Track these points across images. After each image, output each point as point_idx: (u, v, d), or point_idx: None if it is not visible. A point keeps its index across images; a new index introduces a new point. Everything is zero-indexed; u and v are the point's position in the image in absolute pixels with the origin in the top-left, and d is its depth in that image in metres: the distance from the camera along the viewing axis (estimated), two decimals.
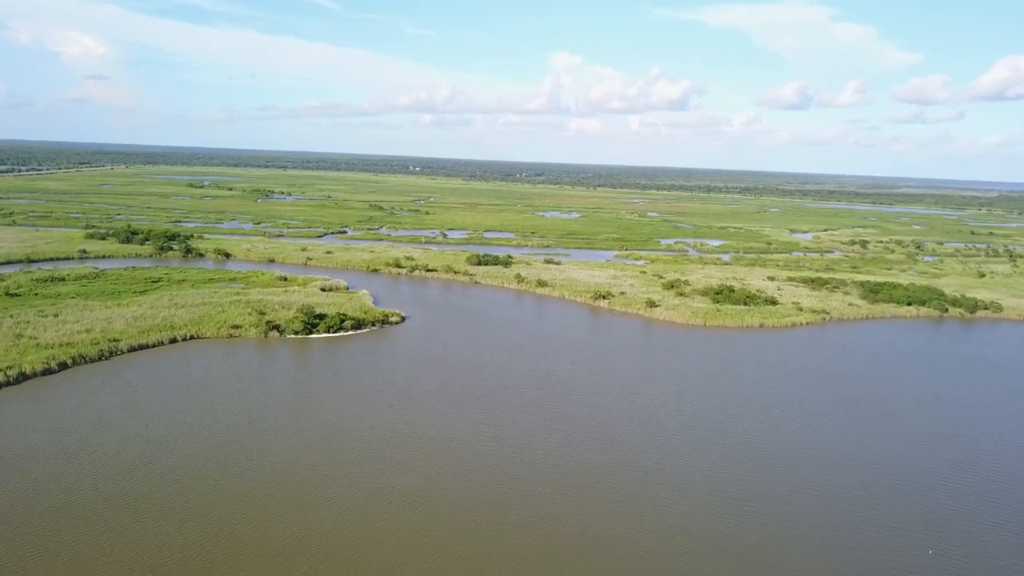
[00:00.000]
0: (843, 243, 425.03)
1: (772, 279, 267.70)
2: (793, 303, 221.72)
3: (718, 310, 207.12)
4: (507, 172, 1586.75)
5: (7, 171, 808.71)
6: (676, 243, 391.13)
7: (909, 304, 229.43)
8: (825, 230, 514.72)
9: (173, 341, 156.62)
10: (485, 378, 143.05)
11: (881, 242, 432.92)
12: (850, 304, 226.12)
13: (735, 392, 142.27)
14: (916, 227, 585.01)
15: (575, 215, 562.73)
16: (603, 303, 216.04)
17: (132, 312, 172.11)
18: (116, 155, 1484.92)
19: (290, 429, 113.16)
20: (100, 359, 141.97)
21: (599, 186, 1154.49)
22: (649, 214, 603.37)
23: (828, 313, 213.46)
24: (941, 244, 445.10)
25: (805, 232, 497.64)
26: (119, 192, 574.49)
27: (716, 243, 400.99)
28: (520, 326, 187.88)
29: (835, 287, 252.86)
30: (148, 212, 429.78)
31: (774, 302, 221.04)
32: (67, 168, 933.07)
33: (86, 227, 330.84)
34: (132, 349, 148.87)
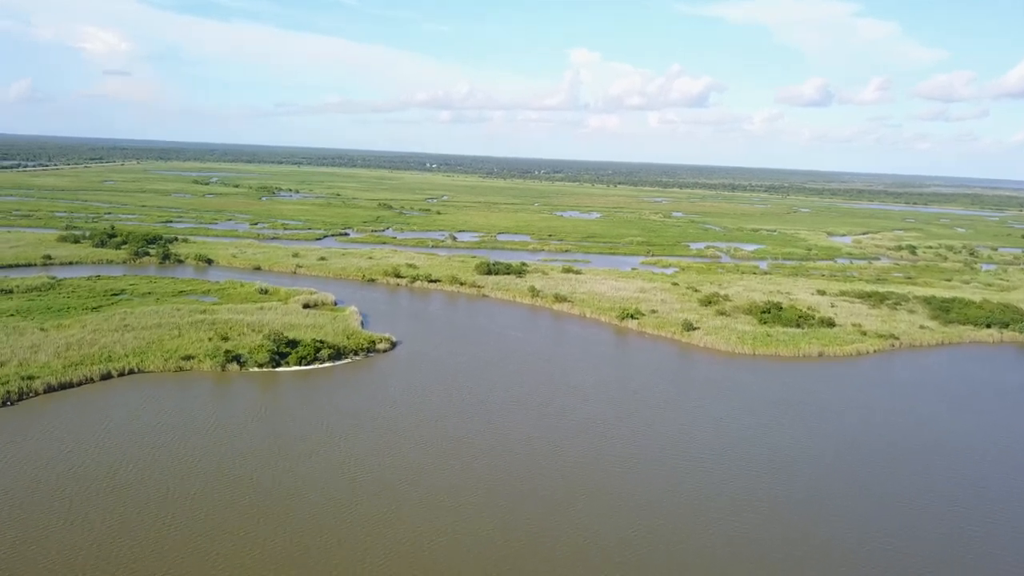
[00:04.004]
0: (889, 248, 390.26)
1: (823, 293, 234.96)
2: (853, 325, 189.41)
3: (768, 334, 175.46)
4: (525, 169, 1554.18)
5: (12, 167, 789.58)
6: (707, 247, 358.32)
7: (988, 326, 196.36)
8: (865, 233, 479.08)
9: (106, 377, 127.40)
10: (475, 443, 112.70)
11: (930, 247, 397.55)
12: (920, 326, 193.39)
13: (815, 461, 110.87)
14: (960, 230, 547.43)
15: (595, 215, 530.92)
16: (631, 324, 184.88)
17: (69, 337, 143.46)
18: (130, 151, 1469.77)
19: (191, 525, 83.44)
20: (4, 404, 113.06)
21: (619, 183, 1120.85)
22: (674, 214, 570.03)
23: (897, 338, 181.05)
24: (995, 250, 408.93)
25: (844, 235, 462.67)
26: (118, 189, 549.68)
27: (750, 248, 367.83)
28: (532, 359, 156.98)
29: (896, 303, 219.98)
30: (141, 211, 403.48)
31: (831, 323, 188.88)
32: (75, 164, 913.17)
33: (66, 228, 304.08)
34: (50, 389, 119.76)
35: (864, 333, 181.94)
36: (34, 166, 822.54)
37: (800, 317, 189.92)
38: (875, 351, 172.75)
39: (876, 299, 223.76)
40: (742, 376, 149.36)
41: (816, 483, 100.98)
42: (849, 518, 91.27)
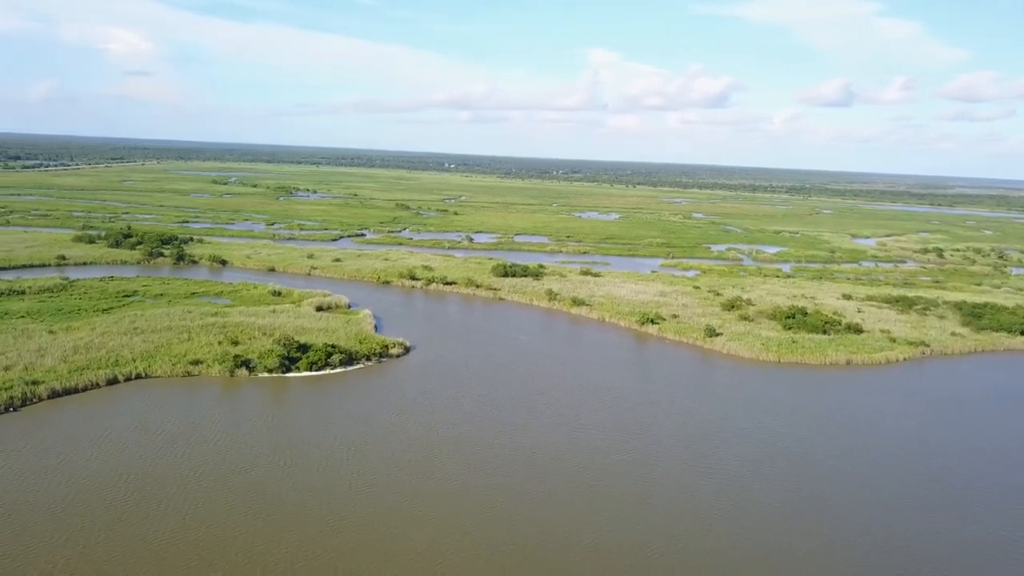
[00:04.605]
0: (915, 251, 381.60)
1: (848, 297, 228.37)
2: (882, 331, 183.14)
3: (793, 341, 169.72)
4: (543, 169, 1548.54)
5: (34, 166, 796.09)
6: (728, 250, 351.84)
7: (1023, 333, 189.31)
8: (889, 235, 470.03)
9: (113, 382, 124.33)
10: (487, 455, 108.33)
11: (957, 250, 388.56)
12: (952, 333, 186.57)
13: (850, 483, 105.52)
14: (987, 232, 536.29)
15: (614, 216, 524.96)
16: (651, 329, 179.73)
17: (76, 340, 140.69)
18: (150, 151, 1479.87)
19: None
20: (7, 410, 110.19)
21: (638, 184, 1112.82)
22: (694, 215, 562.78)
23: (927, 345, 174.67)
24: None
25: (868, 237, 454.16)
26: (137, 189, 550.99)
27: (772, 250, 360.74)
28: (547, 364, 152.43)
29: (925, 309, 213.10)
30: (159, 211, 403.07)
31: (859, 329, 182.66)
32: (96, 163, 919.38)
33: (82, 228, 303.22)
34: (54, 394, 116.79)
35: (893, 340, 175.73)
36: (55, 166, 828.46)
37: (826, 323, 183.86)
38: (905, 359, 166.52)
39: (904, 304, 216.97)
40: (768, 385, 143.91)
41: (853, 513, 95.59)
42: (897, 559, 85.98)
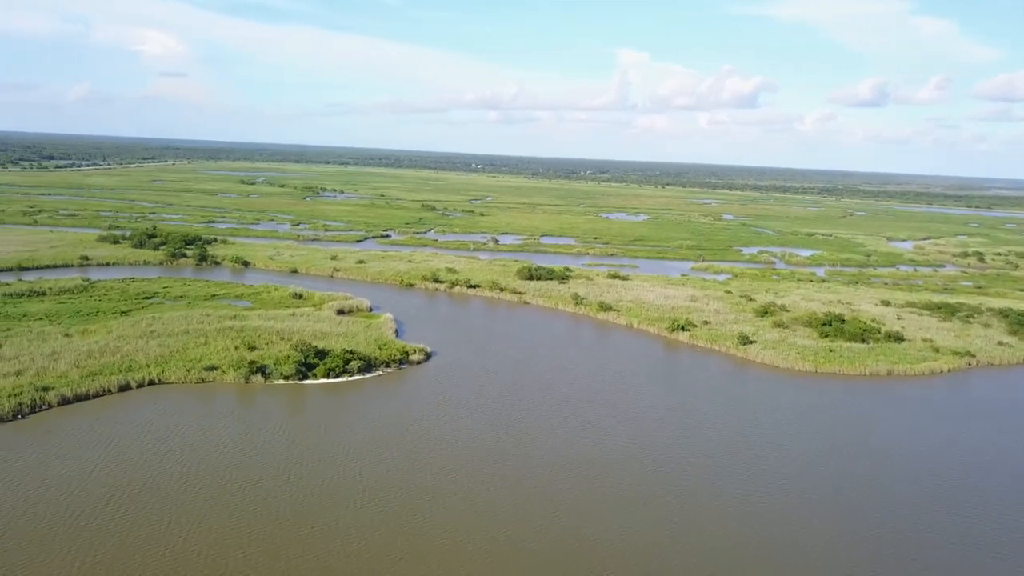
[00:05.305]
0: (954, 255, 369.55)
1: (887, 303, 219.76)
2: (924, 340, 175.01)
3: (831, 349, 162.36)
4: (571, 170, 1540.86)
5: (68, 166, 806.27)
6: (760, 252, 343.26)
7: None
8: (927, 238, 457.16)
9: (125, 388, 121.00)
10: (506, 471, 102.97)
11: (999, 254, 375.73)
12: (999, 343, 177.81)
13: (905, 515, 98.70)
14: None
15: (643, 217, 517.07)
16: (682, 336, 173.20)
17: (91, 344, 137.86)
18: (182, 151, 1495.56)
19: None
20: (14, 417, 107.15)
21: (667, 184, 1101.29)
22: (724, 217, 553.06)
23: (973, 356, 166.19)
24: None
25: (904, 240, 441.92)
26: (166, 189, 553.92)
27: (805, 253, 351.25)
28: (574, 375, 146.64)
29: (969, 316, 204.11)
30: (185, 211, 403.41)
31: (899, 338, 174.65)
32: (127, 163, 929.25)
33: (108, 228, 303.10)
34: (64, 401, 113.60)
35: (936, 349, 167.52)
36: (87, 165, 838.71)
37: (865, 331, 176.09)
38: (949, 370, 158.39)
39: (946, 311, 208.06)
40: (806, 397, 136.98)
41: (910, 552, 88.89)
42: None
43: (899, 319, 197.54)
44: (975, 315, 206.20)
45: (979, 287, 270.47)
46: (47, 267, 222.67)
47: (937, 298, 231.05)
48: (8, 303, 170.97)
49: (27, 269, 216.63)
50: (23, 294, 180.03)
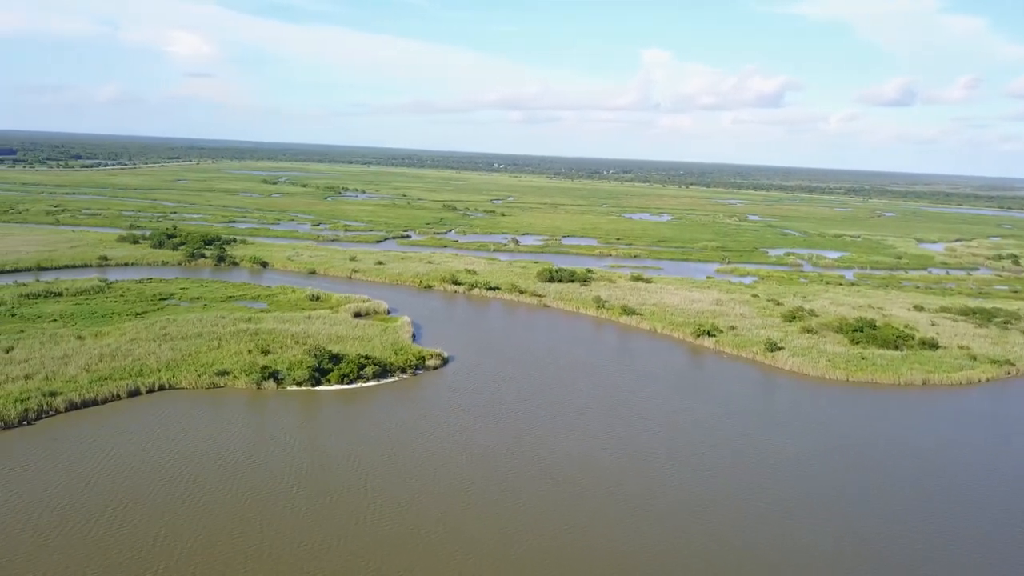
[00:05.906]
0: (987, 258, 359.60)
1: (920, 308, 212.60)
2: (960, 347, 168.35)
3: (862, 357, 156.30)
4: (594, 169, 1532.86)
5: (94, 165, 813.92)
6: (787, 254, 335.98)
7: None
8: (958, 240, 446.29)
9: (134, 393, 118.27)
10: (522, 483, 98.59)
11: None
12: None
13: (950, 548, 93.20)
14: None
15: (666, 218, 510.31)
16: (708, 342, 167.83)
17: (103, 347, 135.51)
18: (206, 150, 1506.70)
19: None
20: (20, 423, 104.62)
21: (691, 184, 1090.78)
22: (750, 217, 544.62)
23: (1013, 364, 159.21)
24: None
25: (934, 242, 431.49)
26: (189, 189, 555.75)
27: (833, 255, 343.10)
28: (595, 382, 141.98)
29: (1007, 322, 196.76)
30: (207, 211, 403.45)
31: (934, 345, 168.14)
32: (153, 163, 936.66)
33: (129, 227, 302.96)
34: (72, 407, 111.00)
35: (974, 358, 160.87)
36: (113, 165, 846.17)
37: (898, 337, 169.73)
38: (988, 379, 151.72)
39: (983, 316, 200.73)
40: (837, 409, 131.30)
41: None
42: None
43: (933, 325, 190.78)
44: (1013, 321, 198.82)
45: (1015, 291, 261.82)
46: (66, 267, 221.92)
47: (972, 303, 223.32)
48: (24, 304, 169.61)
49: (46, 269, 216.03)
50: (40, 295, 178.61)
